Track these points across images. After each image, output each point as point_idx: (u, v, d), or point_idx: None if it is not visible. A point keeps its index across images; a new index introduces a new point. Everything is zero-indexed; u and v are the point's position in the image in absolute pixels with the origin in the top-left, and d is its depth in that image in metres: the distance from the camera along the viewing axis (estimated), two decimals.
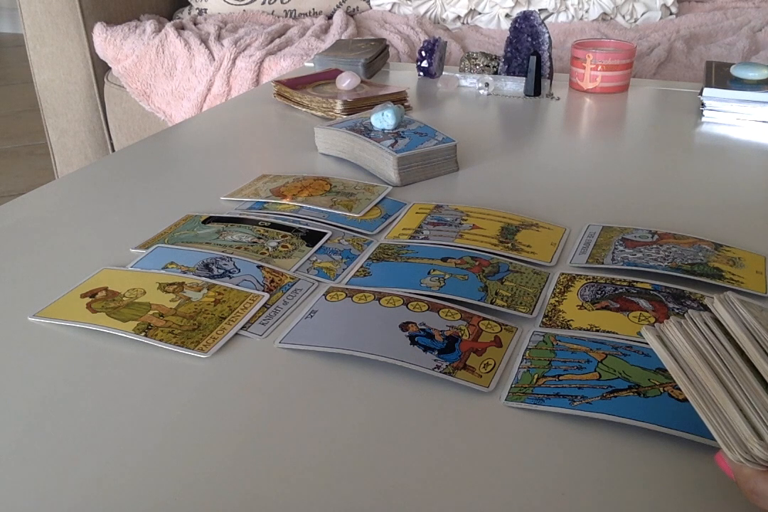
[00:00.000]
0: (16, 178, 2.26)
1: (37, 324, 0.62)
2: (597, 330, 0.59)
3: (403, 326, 0.59)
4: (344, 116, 1.11)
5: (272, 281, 0.67)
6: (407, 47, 1.73)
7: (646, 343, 0.57)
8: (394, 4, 1.99)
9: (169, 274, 0.67)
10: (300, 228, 0.77)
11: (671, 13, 1.92)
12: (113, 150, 1.87)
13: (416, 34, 1.81)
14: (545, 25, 1.28)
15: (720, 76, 1.21)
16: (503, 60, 1.33)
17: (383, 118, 0.94)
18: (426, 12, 1.96)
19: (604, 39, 1.53)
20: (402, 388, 0.54)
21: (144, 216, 0.81)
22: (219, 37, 1.72)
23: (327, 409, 0.52)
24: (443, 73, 1.38)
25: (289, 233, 0.75)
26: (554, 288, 0.66)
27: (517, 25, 1.29)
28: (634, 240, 0.74)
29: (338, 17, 1.88)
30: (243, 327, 0.61)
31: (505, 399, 0.53)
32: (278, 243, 0.73)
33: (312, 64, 1.43)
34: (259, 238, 0.74)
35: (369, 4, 2.02)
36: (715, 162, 0.99)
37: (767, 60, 1.58)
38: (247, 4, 1.94)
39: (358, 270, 0.69)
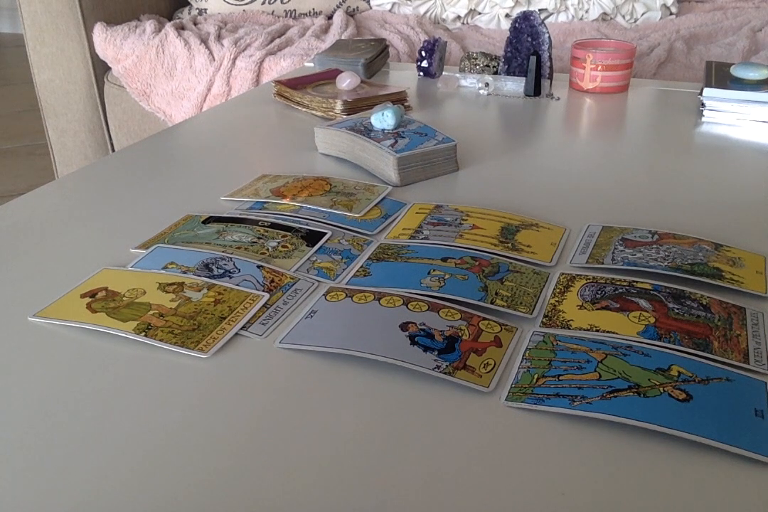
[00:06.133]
0: (16, 178, 2.26)
1: (37, 324, 0.62)
2: (597, 330, 0.59)
3: (403, 326, 0.59)
4: (344, 116, 1.11)
5: (272, 281, 0.67)
6: (407, 47, 1.73)
7: (646, 343, 0.57)
8: (394, 4, 1.99)
9: (169, 274, 0.67)
10: (300, 228, 0.76)
11: (671, 13, 1.92)
12: (113, 150, 1.87)
13: (416, 34, 1.81)
14: (545, 25, 1.28)
15: (720, 76, 1.21)
16: (503, 60, 1.33)
17: (383, 118, 0.94)
18: (426, 12, 1.96)
19: (604, 39, 1.53)
20: (402, 388, 0.54)
21: (144, 216, 0.81)
22: (219, 37, 1.72)
23: (327, 409, 0.52)
24: (443, 73, 1.38)
25: (289, 233, 0.75)
26: (554, 288, 0.66)
27: (517, 25, 1.29)
28: (634, 240, 0.74)
29: (338, 17, 1.88)
30: (243, 327, 0.61)
31: (505, 399, 0.53)
32: (278, 243, 0.73)
33: (312, 64, 1.44)
34: (259, 238, 0.74)
35: (369, 4, 2.02)
36: (715, 162, 0.99)
37: (767, 60, 1.58)
38: (247, 4, 1.94)
39: (358, 270, 0.69)
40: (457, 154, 0.95)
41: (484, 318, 0.61)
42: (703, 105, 1.16)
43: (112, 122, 1.83)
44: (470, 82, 1.33)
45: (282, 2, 1.95)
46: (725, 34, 1.79)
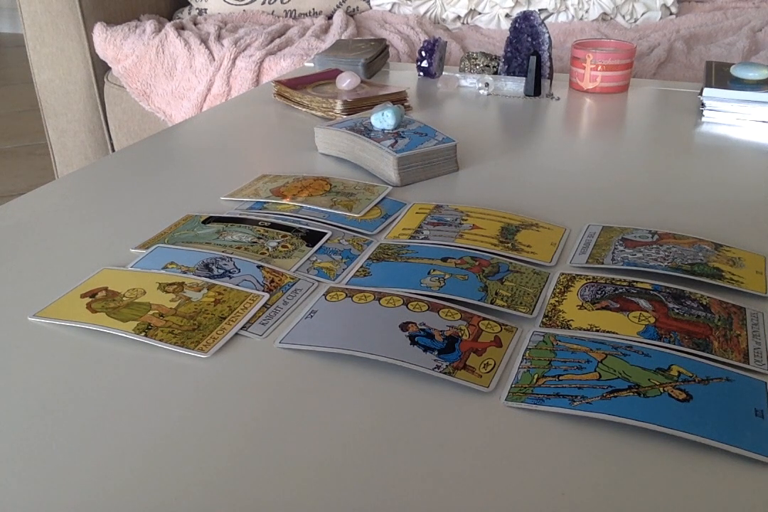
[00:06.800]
0: (16, 178, 2.26)
1: (37, 324, 0.62)
2: (597, 330, 0.59)
3: (403, 326, 0.59)
4: (344, 116, 1.11)
5: (272, 281, 0.67)
6: (407, 47, 1.73)
7: (646, 343, 0.57)
8: (394, 4, 1.99)
9: (169, 274, 0.67)
10: (300, 228, 0.76)
11: (671, 13, 1.92)
12: (113, 150, 1.87)
13: (416, 34, 1.81)
14: (545, 25, 1.28)
15: (720, 76, 1.21)
16: (503, 60, 1.33)
17: (383, 118, 0.94)
18: (426, 12, 1.96)
19: (604, 39, 1.53)
20: (402, 388, 0.54)
21: (144, 216, 0.81)
22: (219, 37, 1.72)
23: (327, 409, 0.52)
24: (443, 73, 1.38)
25: (289, 233, 0.75)
26: (554, 288, 0.66)
27: (517, 25, 1.29)
28: (634, 240, 0.74)
29: (338, 17, 1.88)
30: (243, 327, 0.61)
31: (505, 399, 0.53)
32: (278, 243, 0.73)
33: (312, 64, 1.44)
34: (259, 238, 0.74)
35: (369, 4, 2.02)
36: (715, 162, 0.99)
37: (767, 60, 1.58)
38: (247, 4, 1.94)
39: (358, 271, 0.69)
40: (457, 154, 0.95)
41: (484, 318, 0.61)
42: (703, 105, 1.16)
43: (112, 122, 1.83)
44: (470, 82, 1.33)
45: (282, 2, 1.95)
46: (725, 34, 1.79)
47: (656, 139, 1.09)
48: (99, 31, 1.73)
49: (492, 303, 0.63)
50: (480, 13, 1.95)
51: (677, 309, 0.62)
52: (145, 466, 0.47)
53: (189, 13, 1.96)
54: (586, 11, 1.90)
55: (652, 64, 1.61)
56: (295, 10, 1.96)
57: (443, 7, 1.95)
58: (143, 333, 0.59)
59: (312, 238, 0.75)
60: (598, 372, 0.54)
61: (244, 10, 1.94)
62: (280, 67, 1.61)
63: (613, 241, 0.74)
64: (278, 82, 1.24)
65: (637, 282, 0.66)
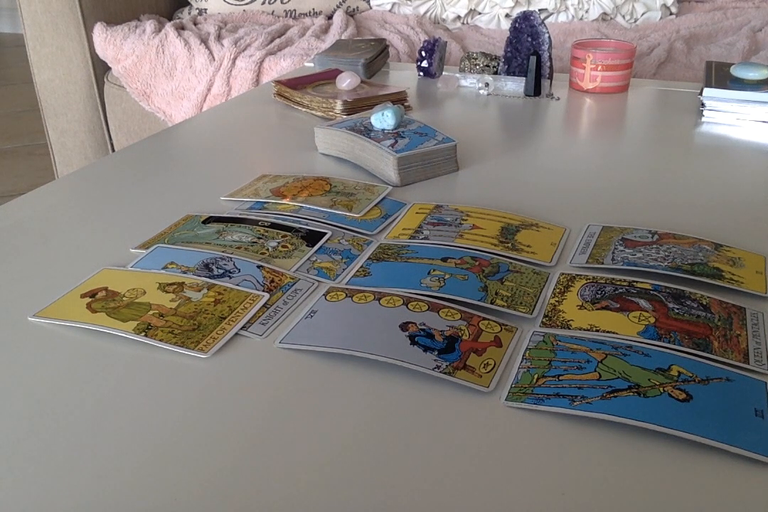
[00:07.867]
0: (16, 178, 2.26)
1: (37, 324, 0.62)
2: (597, 330, 0.59)
3: (403, 326, 0.59)
4: (344, 116, 1.11)
5: (272, 281, 0.67)
6: (407, 47, 1.73)
7: (646, 343, 0.57)
8: (394, 4, 1.98)
9: (169, 274, 0.67)
10: (300, 228, 0.76)
11: (671, 13, 1.92)
12: (113, 150, 1.87)
13: (416, 34, 1.81)
14: (545, 25, 1.28)
15: (720, 76, 1.21)
16: (503, 60, 1.33)
17: (383, 118, 0.94)
18: (426, 12, 1.96)
19: (604, 39, 1.53)
20: (402, 388, 0.54)
21: (144, 216, 0.82)
22: (219, 37, 1.72)
23: (327, 409, 0.52)
24: (443, 73, 1.38)
25: (289, 233, 0.75)
26: (554, 289, 0.66)
27: (517, 25, 1.29)
28: (634, 240, 0.74)
29: (338, 17, 1.88)
30: (243, 327, 0.61)
31: (505, 399, 0.53)
32: (278, 243, 0.73)
33: (312, 64, 1.44)
34: (259, 238, 0.74)
35: (369, 4, 2.02)
36: (715, 162, 0.99)
37: (767, 60, 1.58)
38: (247, 4, 1.94)
39: (358, 271, 0.69)
40: (457, 154, 0.95)
41: (484, 318, 0.61)
42: (703, 105, 1.16)
43: (112, 122, 1.83)
44: (470, 82, 1.33)
45: (282, 2, 1.95)
46: (725, 34, 1.79)
47: (656, 139, 1.09)
48: (99, 31, 1.73)
49: (492, 303, 0.63)
50: (480, 13, 1.95)
51: (677, 309, 0.62)
52: (145, 466, 0.47)
53: (189, 13, 1.96)
54: (586, 11, 1.90)
55: (652, 64, 1.61)
56: (295, 10, 1.96)
57: (443, 7, 1.95)
58: (143, 333, 0.59)
59: (312, 238, 0.75)
60: (598, 372, 0.54)
61: (244, 10, 1.94)
62: (280, 67, 1.61)
63: (613, 241, 0.74)
64: (278, 82, 1.24)
65: (637, 282, 0.66)
